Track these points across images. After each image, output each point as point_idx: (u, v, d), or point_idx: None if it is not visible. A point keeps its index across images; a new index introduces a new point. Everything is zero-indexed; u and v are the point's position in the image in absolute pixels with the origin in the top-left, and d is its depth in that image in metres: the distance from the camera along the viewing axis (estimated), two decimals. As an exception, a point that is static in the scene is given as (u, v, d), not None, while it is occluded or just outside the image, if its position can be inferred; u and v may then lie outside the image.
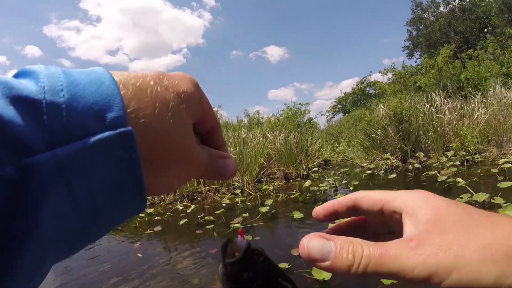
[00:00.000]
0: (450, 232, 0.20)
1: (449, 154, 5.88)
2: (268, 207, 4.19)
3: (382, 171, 6.02)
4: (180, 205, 5.26)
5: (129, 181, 0.18)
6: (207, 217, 4.15)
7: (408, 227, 0.23)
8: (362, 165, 7.14)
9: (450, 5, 19.03)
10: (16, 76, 0.18)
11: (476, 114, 6.41)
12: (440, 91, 7.74)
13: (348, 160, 8.22)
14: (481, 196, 3.19)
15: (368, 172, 6.10)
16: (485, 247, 0.18)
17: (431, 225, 0.21)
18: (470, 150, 5.66)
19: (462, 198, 3.38)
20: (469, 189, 3.60)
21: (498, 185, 3.58)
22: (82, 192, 0.16)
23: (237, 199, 5.12)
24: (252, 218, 3.96)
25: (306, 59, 59.59)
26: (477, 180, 4.41)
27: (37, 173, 0.15)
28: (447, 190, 4.17)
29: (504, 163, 4.62)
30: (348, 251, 0.21)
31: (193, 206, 4.86)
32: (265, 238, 3.37)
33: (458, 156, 5.70)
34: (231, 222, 3.79)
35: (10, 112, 0.15)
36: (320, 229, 0.34)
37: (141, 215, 4.99)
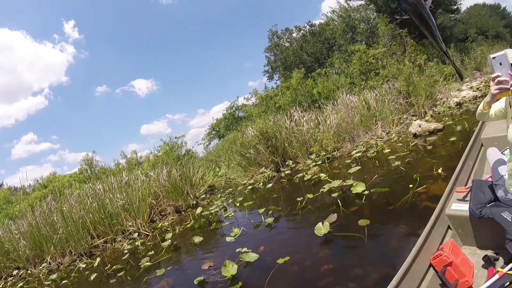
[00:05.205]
0: None
1: (313, 157, 7.00)
2: (169, 241, 4.62)
3: (261, 184, 6.81)
4: (81, 264, 5.17)
5: None
6: (115, 266, 4.35)
7: None
8: (243, 182, 7.60)
9: (302, 31, 22.12)
10: None
11: (328, 120, 7.43)
12: (297, 107, 8.98)
13: (230, 181, 8.50)
14: (336, 182, 4.09)
15: (250, 187, 6.82)
16: None
17: None
18: (329, 150, 6.86)
19: (324, 188, 4.27)
20: (329, 180, 4.47)
21: (349, 171, 4.65)
22: None
23: (137, 243, 5.26)
24: (158, 254, 4.36)
25: (175, 89, 59.90)
26: (336, 171, 5.48)
27: None
28: (314, 185, 5.07)
29: (355, 154, 5.78)
30: None
31: (98, 259, 4.90)
32: (176, 266, 3.87)
33: (320, 156, 6.84)
34: (140, 263, 4.10)
35: None
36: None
37: (46, 282, 4.77)
